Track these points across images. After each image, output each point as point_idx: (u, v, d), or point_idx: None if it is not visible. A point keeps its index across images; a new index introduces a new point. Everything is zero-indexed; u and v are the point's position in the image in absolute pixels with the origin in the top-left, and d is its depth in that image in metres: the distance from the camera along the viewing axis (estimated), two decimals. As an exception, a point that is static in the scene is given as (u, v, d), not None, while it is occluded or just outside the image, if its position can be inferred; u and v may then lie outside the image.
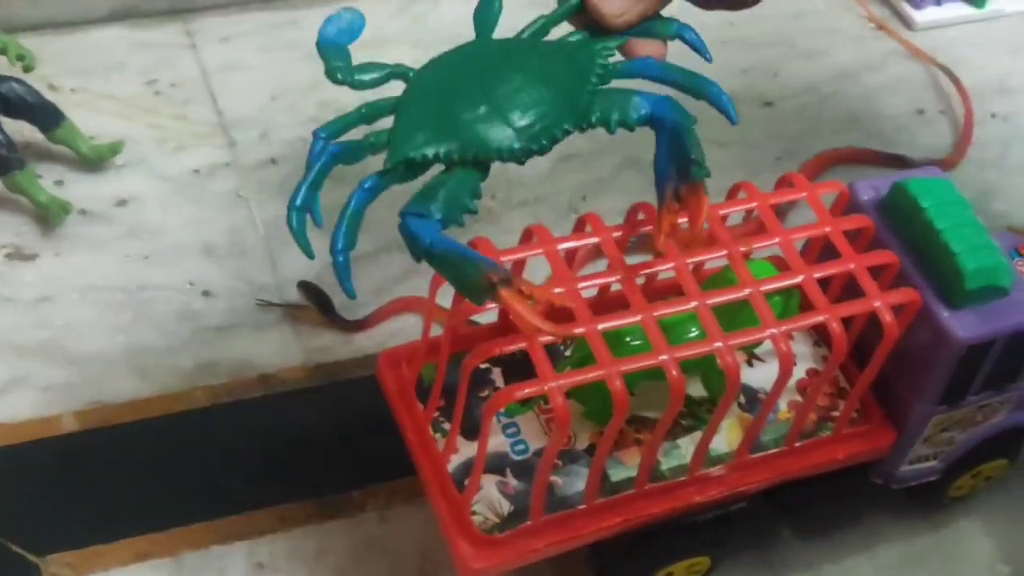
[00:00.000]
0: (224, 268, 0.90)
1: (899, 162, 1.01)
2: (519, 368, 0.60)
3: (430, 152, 0.61)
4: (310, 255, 0.62)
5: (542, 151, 0.62)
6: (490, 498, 0.67)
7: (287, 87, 1.03)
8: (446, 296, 0.65)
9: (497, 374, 0.72)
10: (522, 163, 0.62)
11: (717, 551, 0.74)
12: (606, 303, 0.69)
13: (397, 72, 0.65)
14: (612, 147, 0.99)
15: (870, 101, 1.09)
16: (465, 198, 0.60)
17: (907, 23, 1.17)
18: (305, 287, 0.87)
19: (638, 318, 0.62)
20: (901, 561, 0.80)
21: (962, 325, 0.68)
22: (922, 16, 1.16)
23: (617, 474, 0.68)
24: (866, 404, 0.73)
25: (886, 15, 1.18)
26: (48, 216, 0.89)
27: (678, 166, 0.61)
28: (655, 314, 0.62)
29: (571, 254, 0.67)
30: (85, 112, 0.96)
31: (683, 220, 0.62)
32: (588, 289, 0.65)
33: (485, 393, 0.71)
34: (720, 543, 0.73)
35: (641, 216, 0.68)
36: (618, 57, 0.66)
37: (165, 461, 0.79)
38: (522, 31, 0.68)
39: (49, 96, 0.92)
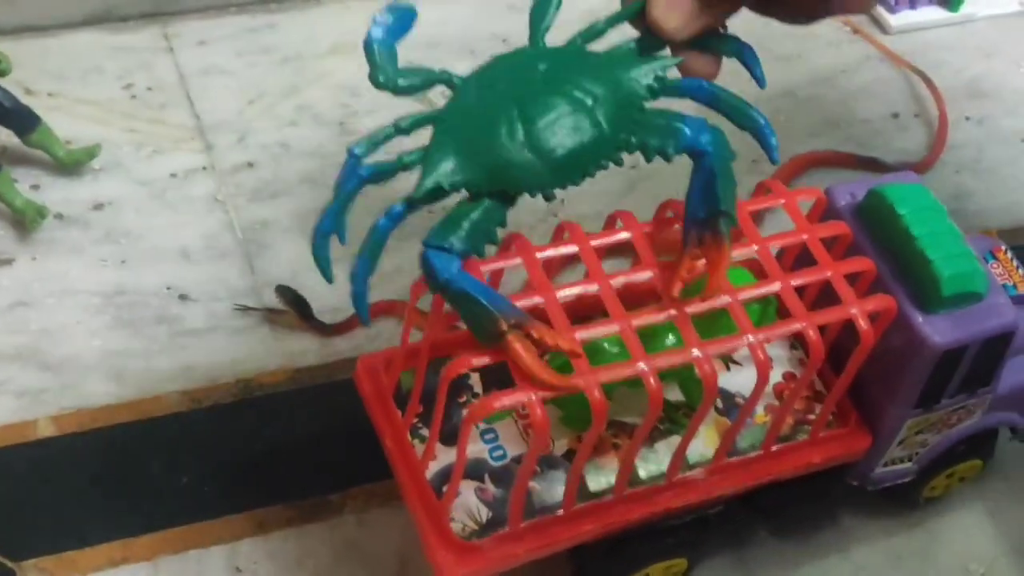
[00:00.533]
0: (201, 272, 0.90)
1: (874, 165, 1.02)
2: (497, 374, 0.60)
3: (459, 179, 0.60)
4: (329, 279, 0.62)
5: (575, 184, 0.62)
6: (468, 505, 0.67)
7: (264, 91, 1.02)
8: (425, 300, 0.65)
9: (475, 380, 0.72)
10: (550, 200, 0.62)
11: (694, 553, 0.74)
12: (584, 309, 0.69)
13: (442, 79, 0.63)
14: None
15: (845, 105, 1.10)
16: (490, 230, 0.60)
17: (882, 27, 1.17)
18: (283, 291, 0.87)
19: (616, 327, 0.62)
20: (877, 562, 0.80)
21: (937, 331, 0.68)
22: (896, 20, 1.17)
23: (595, 481, 0.68)
24: (842, 408, 0.73)
25: (861, 19, 1.18)
26: (24, 220, 0.89)
27: (707, 212, 0.61)
28: (633, 323, 0.62)
29: (549, 262, 0.67)
30: (62, 116, 0.96)
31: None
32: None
33: (464, 399, 0.72)
34: (697, 545, 0.74)
35: (619, 224, 0.68)
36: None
37: (142, 466, 0.79)
38: (578, 34, 0.66)
39: (25, 100, 0.91)
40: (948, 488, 0.82)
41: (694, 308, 0.63)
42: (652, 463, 0.70)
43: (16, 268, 0.88)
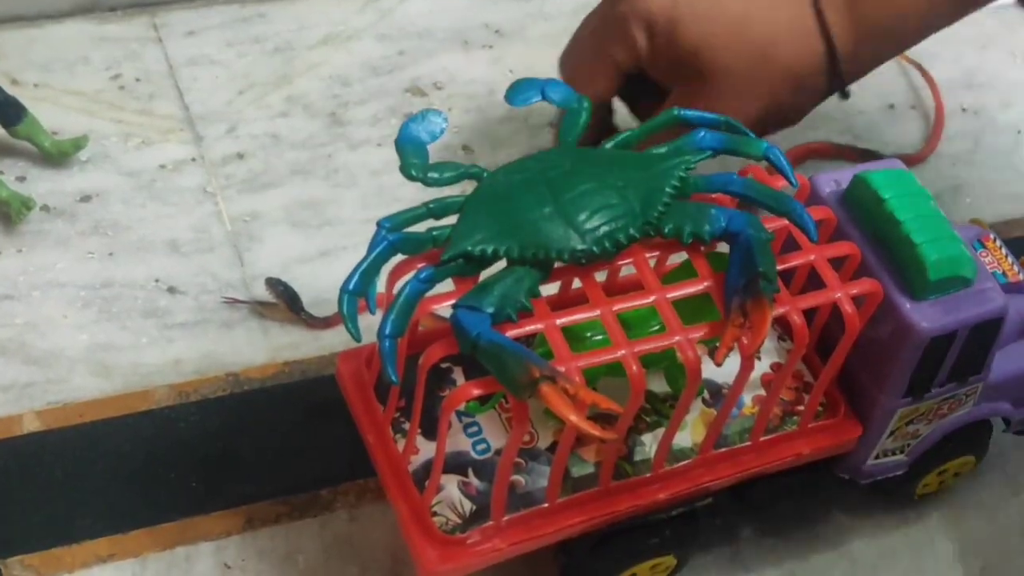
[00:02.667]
0: (190, 264, 0.89)
1: (870, 156, 1.01)
2: (480, 366, 0.60)
3: (489, 248, 0.62)
4: (357, 339, 0.63)
5: (605, 255, 0.63)
6: (451, 498, 0.67)
7: (254, 81, 1.02)
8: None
9: (459, 373, 0.72)
10: (583, 265, 0.63)
11: (682, 550, 0.73)
12: (568, 300, 0.69)
13: (470, 173, 0.67)
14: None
15: (841, 96, 1.09)
16: (520, 296, 0.61)
17: (878, 17, 1.16)
18: (273, 284, 0.86)
19: (596, 313, 0.62)
20: (872, 557, 0.80)
21: (925, 316, 0.68)
22: (893, 10, 1.16)
23: (579, 470, 0.68)
24: (831, 398, 0.73)
25: (858, 9, 1.18)
26: (10, 212, 0.88)
27: (746, 278, 0.61)
28: (614, 309, 0.62)
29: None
30: (48, 107, 0.95)
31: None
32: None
33: (446, 392, 0.71)
34: (685, 542, 0.73)
35: None
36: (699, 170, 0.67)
37: (129, 461, 0.78)
38: (606, 141, 0.69)
39: (11, 91, 0.91)
40: (942, 485, 0.81)
41: (675, 294, 0.63)
42: (638, 455, 0.69)
43: (1, 261, 0.88)
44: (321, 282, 0.88)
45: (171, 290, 0.88)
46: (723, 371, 0.71)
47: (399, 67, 1.04)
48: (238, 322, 0.86)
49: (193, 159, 0.96)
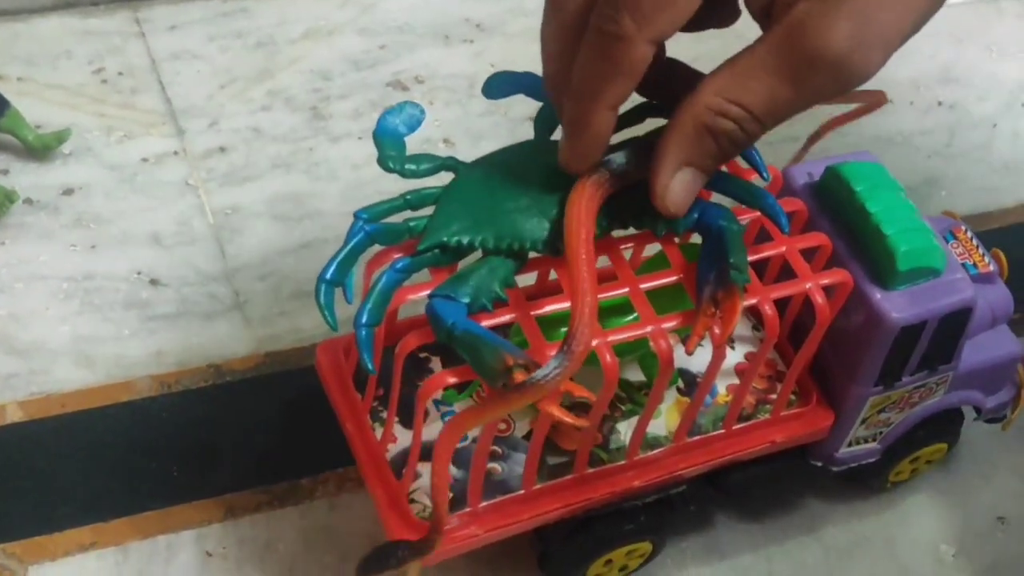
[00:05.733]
0: (172, 257, 0.90)
1: None
2: (458, 355, 0.60)
3: (465, 239, 0.63)
4: (334, 328, 0.63)
5: None
6: (429, 486, 0.67)
7: (236, 76, 1.02)
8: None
9: (436, 362, 0.72)
10: (558, 256, 0.63)
11: (658, 537, 0.74)
12: (544, 290, 0.69)
13: (447, 164, 0.67)
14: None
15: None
16: (495, 286, 0.62)
17: (856, 11, 1.17)
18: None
19: (569, 304, 0.62)
20: (846, 544, 0.80)
21: (895, 306, 0.68)
22: (871, 4, 1.17)
23: (555, 458, 0.68)
24: (804, 386, 0.74)
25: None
26: (-7, 205, 0.89)
27: (717, 269, 0.62)
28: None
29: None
30: (31, 101, 0.96)
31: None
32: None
33: (423, 381, 0.71)
34: (661, 529, 0.74)
35: None
36: None
37: (111, 451, 0.79)
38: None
39: (-6, 85, 0.92)
40: (914, 473, 0.82)
41: (648, 284, 0.64)
42: (613, 443, 0.70)
43: (-15, 253, 0.88)
44: (302, 274, 0.89)
45: (153, 282, 0.88)
46: (697, 360, 0.73)
47: (380, 61, 1.05)
48: (219, 314, 0.87)
49: (175, 152, 0.96)
